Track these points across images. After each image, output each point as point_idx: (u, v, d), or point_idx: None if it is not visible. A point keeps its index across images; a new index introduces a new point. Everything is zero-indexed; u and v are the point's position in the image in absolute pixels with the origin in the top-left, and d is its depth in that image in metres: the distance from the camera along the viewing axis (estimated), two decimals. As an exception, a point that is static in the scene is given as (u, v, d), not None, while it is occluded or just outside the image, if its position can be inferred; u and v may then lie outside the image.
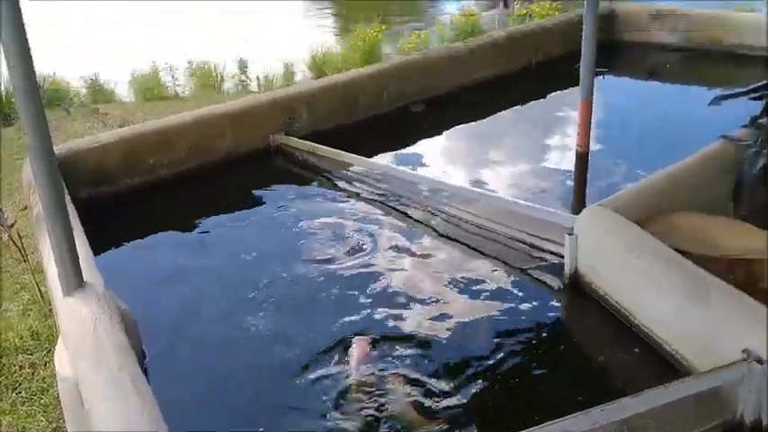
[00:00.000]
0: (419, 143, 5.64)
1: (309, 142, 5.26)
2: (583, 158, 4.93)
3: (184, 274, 3.78)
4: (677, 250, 3.05)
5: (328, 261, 3.79)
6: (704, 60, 7.28)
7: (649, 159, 4.90)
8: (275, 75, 9.10)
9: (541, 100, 6.50)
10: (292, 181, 4.95)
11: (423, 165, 5.20)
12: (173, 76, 9.16)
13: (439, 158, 5.39)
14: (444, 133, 5.88)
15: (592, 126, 4.90)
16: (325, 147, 5.12)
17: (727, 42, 7.23)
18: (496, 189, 4.65)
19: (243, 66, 9.40)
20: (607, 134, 5.45)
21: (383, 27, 10.09)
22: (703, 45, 7.37)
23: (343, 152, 4.99)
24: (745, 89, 4.29)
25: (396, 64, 6.44)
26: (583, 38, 4.78)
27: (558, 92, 6.47)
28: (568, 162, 5.02)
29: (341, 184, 4.86)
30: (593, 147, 5.00)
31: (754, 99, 4.18)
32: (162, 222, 4.43)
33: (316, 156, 5.16)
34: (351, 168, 4.98)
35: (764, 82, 4.30)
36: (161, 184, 4.83)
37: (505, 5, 12.26)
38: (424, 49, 7.83)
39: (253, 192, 4.77)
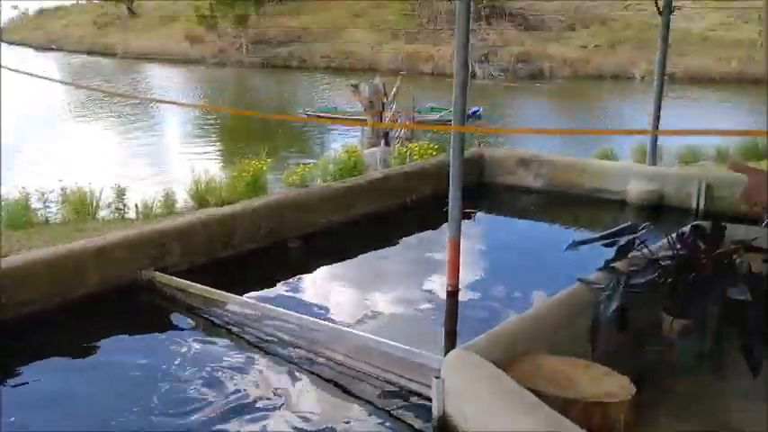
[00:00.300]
0: (293, 280, 5.62)
1: (180, 279, 5.12)
2: (452, 297, 5.06)
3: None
4: (537, 393, 3.12)
5: (191, 411, 3.59)
6: (567, 203, 7.82)
7: (514, 300, 5.10)
8: (155, 202, 8.94)
9: (415, 238, 6.71)
10: (160, 321, 4.76)
11: (295, 303, 5.14)
12: (44, 203, 8.80)
13: (312, 296, 5.37)
14: (319, 270, 5.90)
15: (461, 265, 5.07)
16: (196, 284, 4.99)
17: (588, 186, 7.83)
18: (368, 328, 4.64)
19: (120, 192, 9.19)
20: (476, 273, 5.65)
21: (268, 159, 10.27)
22: (566, 189, 7.93)
23: (215, 290, 4.88)
24: (598, 235, 4.59)
25: (273, 200, 6.51)
26: (450, 180, 5.03)
27: (431, 231, 6.71)
28: (439, 301, 5.12)
29: (212, 322, 4.71)
30: (464, 285, 5.15)
31: (607, 246, 4.47)
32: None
33: (187, 293, 5.01)
34: (223, 306, 4.86)
35: (616, 229, 4.62)
36: (15, 326, 4.48)
37: (386, 144, 12.84)
38: (305, 185, 7.99)
39: (115, 334, 4.53)
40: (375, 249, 6.37)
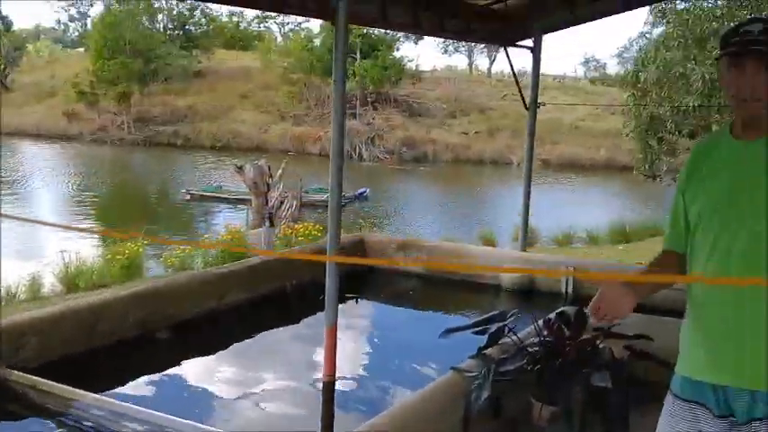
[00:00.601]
0: (159, 375, 5.32)
1: (36, 377, 4.72)
2: (329, 387, 4.95)
3: None
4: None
5: None
6: (445, 288, 7.97)
7: (392, 389, 5.05)
8: (19, 286, 8.32)
9: (293, 326, 6.58)
10: (10, 426, 4.35)
11: (159, 400, 4.85)
12: None
13: (178, 392, 5.09)
14: (188, 363, 5.63)
15: (339, 353, 5.00)
16: (53, 382, 4.62)
17: (461, 272, 8.03)
18: (239, 425, 4.44)
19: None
20: (354, 362, 5.58)
21: (146, 241, 9.90)
22: (444, 274, 8.09)
23: (73, 388, 4.53)
24: (470, 323, 4.67)
25: (143, 287, 6.23)
26: (327, 267, 5.00)
27: (310, 317, 6.62)
28: (316, 392, 5.00)
29: (68, 424, 4.35)
30: (341, 375, 5.06)
31: (478, 333, 4.54)
32: None
33: (41, 392, 4.62)
34: (81, 405, 4.51)
35: (486, 316, 4.73)
36: None
37: (271, 224, 12.75)
38: (184, 269, 7.72)
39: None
40: (250, 338, 6.18)
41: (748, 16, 15.22)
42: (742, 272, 1.95)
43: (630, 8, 7.62)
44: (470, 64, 52.18)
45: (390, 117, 36.96)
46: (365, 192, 23.23)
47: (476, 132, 37.32)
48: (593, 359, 4.35)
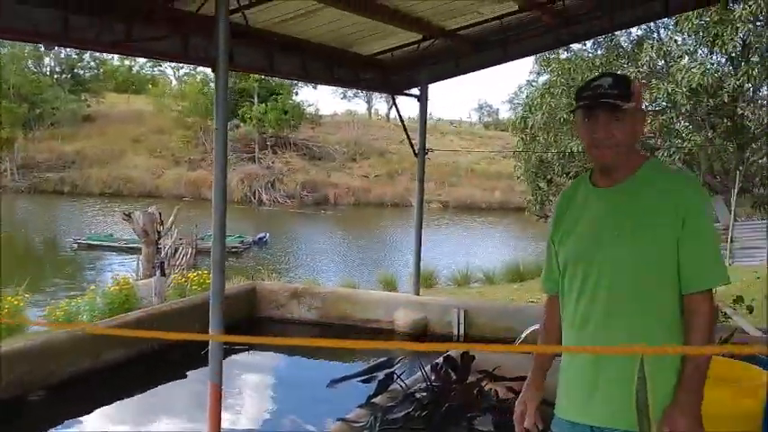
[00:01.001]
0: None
1: None
2: (215, 446, 4.76)
3: None
4: None
5: None
6: (339, 334, 7.88)
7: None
8: None
9: (177, 382, 6.32)
10: None
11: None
12: None
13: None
14: (62, 425, 5.28)
15: (225, 409, 4.83)
16: None
17: (359, 317, 8.00)
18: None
19: None
20: (240, 417, 5.41)
21: (26, 294, 9.34)
22: (338, 320, 8.03)
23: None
24: (357, 372, 4.63)
25: (12, 348, 5.81)
26: (210, 320, 4.85)
27: (195, 371, 6.38)
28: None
29: None
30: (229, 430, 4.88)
31: (365, 382, 4.51)
32: None
33: None
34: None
35: (374, 364, 4.70)
36: None
37: (162, 274, 12.31)
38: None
39: None
40: (131, 397, 5.87)
41: (624, 65, 16.32)
42: (604, 317, 2.04)
43: (512, 59, 7.97)
44: (369, 109, 53.08)
45: (290, 161, 36.92)
46: (265, 237, 22.95)
47: (376, 176, 37.82)
48: (479, 402, 4.41)
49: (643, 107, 2.07)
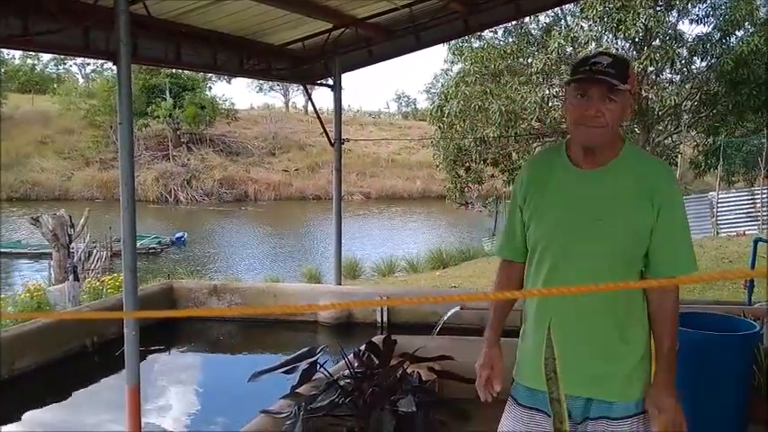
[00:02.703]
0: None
1: None
2: (135, 449, 4.63)
3: None
4: None
5: None
6: (262, 329, 7.81)
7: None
8: None
9: (94, 387, 6.10)
10: None
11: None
12: None
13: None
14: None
15: (144, 412, 4.70)
16: None
17: (280, 311, 7.92)
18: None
19: None
20: (161, 418, 5.28)
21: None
22: (260, 314, 7.93)
23: None
24: (278, 364, 4.58)
25: None
26: (124, 324, 4.71)
27: (115, 375, 6.18)
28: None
29: None
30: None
31: (287, 373, 4.47)
32: None
33: None
34: None
35: (295, 355, 4.66)
36: None
37: (75, 278, 11.85)
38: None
39: None
40: (44, 406, 5.62)
41: (534, 52, 16.73)
42: (574, 304, 2.06)
43: (424, 46, 8.02)
44: (287, 102, 52.55)
45: (207, 157, 36.13)
46: (183, 236, 22.43)
47: (296, 169, 37.52)
48: (402, 384, 4.45)
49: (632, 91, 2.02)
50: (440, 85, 20.38)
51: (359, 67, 8.22)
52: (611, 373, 2.07)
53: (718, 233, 15.87)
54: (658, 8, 14.59)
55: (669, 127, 17.24)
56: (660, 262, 2.03)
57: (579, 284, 1.98)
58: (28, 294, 10.00)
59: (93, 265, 16.40)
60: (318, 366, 4.61)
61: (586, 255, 2.03)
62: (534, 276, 2.14)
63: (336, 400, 4.35)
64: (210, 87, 39.03)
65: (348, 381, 4.57)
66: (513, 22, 15.62)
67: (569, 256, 2.06)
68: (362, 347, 4.88)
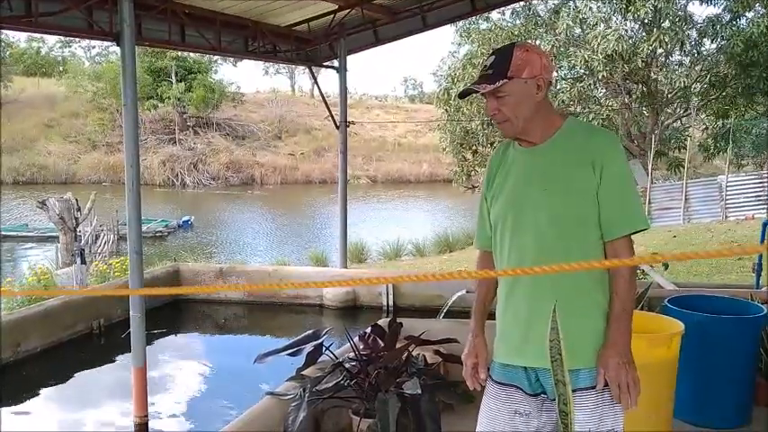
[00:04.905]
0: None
1: None
2: (142, 429, 4.66)
3: None
4: None
5: None
6: (267, 312, 7.83)
7: (209, 421, 4.85)
8: None
9: (102, 368, 6.13)
10: None
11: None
12: None
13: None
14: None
15: (153, 391, 4.73)
16: None
17: (287, 293, 7.93)
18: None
19: None
20: (169, 398, 5.31)
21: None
22: (266, 298, 7.93)
23: None
24: (284, 346, 4.59)
25: None
26: (130, 304, 4.72)
27: (122, 356, 6.21)
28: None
29: None
30: (155, 414, 4.78)
31: (293, 355, 4.48)
32: None
33: None
34: None
35: (300, 337, 4.67)
36: None
37: (82, 261, 11.90)
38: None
39: None
40: (53, 386, 5.66)
41: (542, 34, 16.60)
42: (536, 263, 2.06)
43: (430, 28, 7.96)
44: (293, 85, 52.38)
45: (213, 141, 36.08)
46: (189, 220, 22.46)
47: (302, 153, 37.43)
48: (407, 367, 4.45)
49: (535, 73, 2.07)
50: (446, 67, 20.21)
51: (364, 49, 8.16)
52: (572, 341, 2.05)
53: (726, 217, 15.79)
54: (669, -12, 14.45)
55: (678, 110, 17.10)
56: (608, 219, 2.07)
57: (533, 252, 2.10)
58: (35, 277, 10.04)
59: (100, 249, 16.44)
60: (324, 349, 4.62)
61: (535, 223, 2.10)
62: (499, 253, 2.22)
63: (342, 382, 4.36)
64: (216, 71, 38.91)
65: (353, 363, 4.57)
66: (522, 3, 15.48)
67: (521, 227, 2.13)
68: (368, 330, 4.88)
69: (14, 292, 8.48)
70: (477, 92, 2.11)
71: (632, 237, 2.11)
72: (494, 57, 2.11)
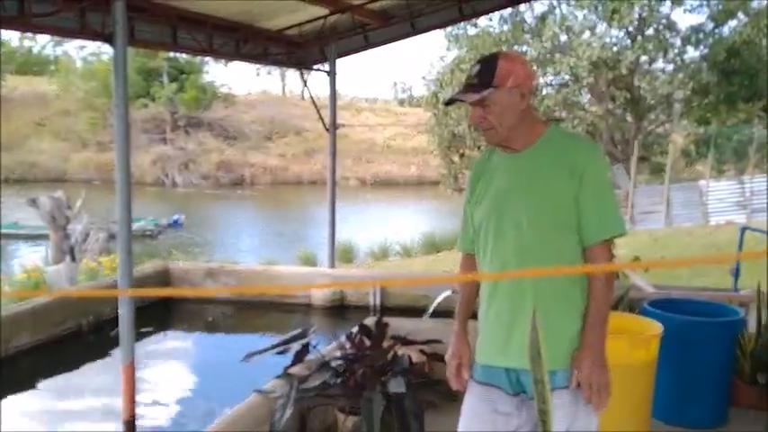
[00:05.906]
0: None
1: None
2: (130, 428, 4.71)
3: None
4: None
5: None
6: (256, 311, 7.89)
7: (196, 420, 4.91)
8: None
9: (89, 367, 6.17)
10: None
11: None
12: None
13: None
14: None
15: (141, 391, 4.77)
16: None
17: (273, 293, 7.99)
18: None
19: None
20: (157, 397, 5.36)
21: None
22: (255, 297, 7.99)
23: None
24: (271, 345, 4.66)
25: None
26: (119, 301, 4.77)
27: (110, 355, 6.26)
28: (116, 433, 4.73)
29: None
30: (143, 413, 4.83)
31: (280, 354, 4.55)
32: None
33: None
34: None
35: (288, 336, 4.74)
36: None
37: (72, 259, 11.89)
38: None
39: None
40: (37, 388, 5.69)
41: (529, 41, 16.74)
42: (517, 266, 2.17)
43: (419, 33, 8.04)
44: (284, 87, 52.33)
45: (204, 141, 36.04)
46: (180, 219, 22.44)
47: (293, 154, 37.45)
48: (393, 366, 4.53)
49: (519, 82, 2.14)
50: (435, 71, 20.36)
51: (354, 53, 8.24)
52: (550, 342, 2.15)
53: (707, 221, 15.99)
54: (652, -2, 14.64)
55: (661, 116, 17.30)
56: (587, 225, 2.13)
57: (514, 256, 2.16)
58: (26, 275, 10.04)
59: (90, 246, 16.42)
60: (311, 348, 4.70)
61: (516, 227, 2.16)
62: (482, 256, 2.28)
63: (328, 380, 4.44)
64: (207, 72, 38.84)
65: (340, 362, 4.65)
66: (509, 10, 15.61)
67: (503, 232, 2.19)
68: (355, 330, 4.96)
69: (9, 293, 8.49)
70: (463, 101, 2.18)
71: (612, 241, 2.19)
72: (479, 66, 2.17)
